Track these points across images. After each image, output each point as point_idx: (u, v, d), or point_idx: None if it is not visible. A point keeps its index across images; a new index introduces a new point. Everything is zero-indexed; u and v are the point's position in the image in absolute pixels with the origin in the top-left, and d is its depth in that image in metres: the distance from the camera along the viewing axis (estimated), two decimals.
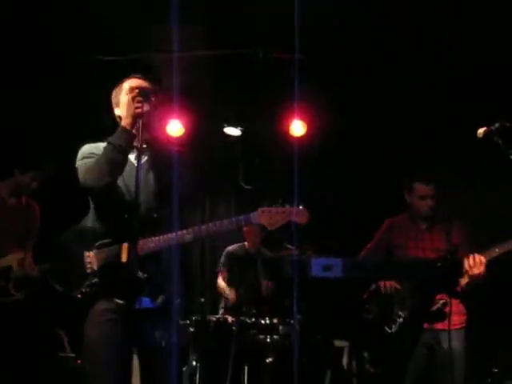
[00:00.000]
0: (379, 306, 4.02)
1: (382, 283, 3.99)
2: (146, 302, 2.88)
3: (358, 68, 5.43)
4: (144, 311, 2.84)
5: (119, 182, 2.92)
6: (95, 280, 2.84)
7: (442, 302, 3.70)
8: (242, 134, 6.59)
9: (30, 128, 5.43)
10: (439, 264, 2.36)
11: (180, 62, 4.86)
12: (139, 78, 3.04)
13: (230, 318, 4.92)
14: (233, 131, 6.59)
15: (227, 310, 5.51)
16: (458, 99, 5.36)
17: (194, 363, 4.77)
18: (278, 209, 2.87)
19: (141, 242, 2.80)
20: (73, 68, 5.19)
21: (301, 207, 2.89)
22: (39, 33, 4.88)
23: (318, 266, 2.29)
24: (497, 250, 3.69)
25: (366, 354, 5.04)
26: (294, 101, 5.28)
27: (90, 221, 2.98)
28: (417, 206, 4.14)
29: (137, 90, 2.85)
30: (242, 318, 4.86)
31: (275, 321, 4.83)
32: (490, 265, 3.67)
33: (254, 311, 5.00)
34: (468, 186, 5.55)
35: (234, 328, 4.79)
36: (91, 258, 2.87)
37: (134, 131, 2.86)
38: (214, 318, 4.97)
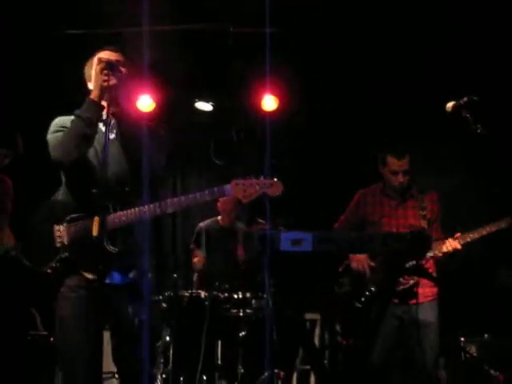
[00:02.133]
0: (352, 281, 4.05)
1: (354, 262, 4.01)
2: (117, 277, 2.88)
3: (329, 43, 5.41)
4: (115, 286, 2.85)
5: (92, 154, 2.89)
6: (65, 255, 2.82)
7: (412, 281, 3.79)
8: (213, 109, 6.55)
9: None
10: (409, 237, 2.38)
11: (150, 36, 4.80)
12: (110, 51, 3.02)
13: (202, 293, 4.93)
14: (204, 106, 6.55)
15: (200, 284, 5.51)
16: (429, 77, 5.38)
17: (168, 338, 4.78)
18: (251, 181, 2.86)
19: (112, 216, 2.79)
20: (43, 43, 5.10)
21: (275, 179, 2.88)
22: (8, 8, 4.78)
23: (287, 240, 2.29)
24: (471, 235, 3.83)
25: (337, 327, 5.11)
26: (266, 75, 5.26)
27: (60, 194, 2.96)
28: (389, 180, 4.11)
29: (104, 62, 2.82)
30: (214, 292, 4.86)
31: (248, 295, 4.85)
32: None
33: (227, 286, 5.01)
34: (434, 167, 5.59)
35: (206, 303, 4.80)
36: (61, 232, 2.83)
37: (102, 103, 2.84)
38: (186, 294, 4.97)
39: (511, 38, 4.90)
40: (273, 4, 4.41)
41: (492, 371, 4.55)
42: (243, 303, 4.82)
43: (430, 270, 3.97)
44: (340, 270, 4.14)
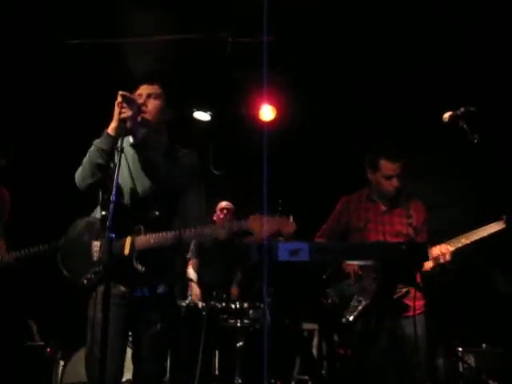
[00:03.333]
0: (338, 292, 3.89)
1: (345, 264, 3.83)
2: (146, 291, 3.10)
3: (327, 53, 5.43)
4: (144, 298, 3.07)
5: (125, 179, 3.11)
6: (100, 268, 3.00)
7: (404, 290, 3.64)
8: (211, 119, 6.56)
9: None
10: (404, 247, 2.37)
11: (148, 46, 4.82)
12: (147, 84, 3.24)
13: (200, 303, 4.93)
14: (202, 116, 6.56)
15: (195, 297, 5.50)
16: (427, 86, 5.40)
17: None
18: (268, 218, 3.01)
19: (142, 238, 3.03)
20: (37, 50, 5.11)
21: (290, 219, 3.03)
22: (9, 18, 4.80)
23: (284, 250, 2.30)
24: (463, 240, 3.72)
25: (335, 337, 5.09)
26: (264, 85, 5.28)
27: (98, 212, 3.14)
28: (381, 185, 3.94)
29: (120, 96, 3.01)
30: (212, 302, 4.86)
31: (245, 305, 4.84)
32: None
33: (224, 296, 5.00)
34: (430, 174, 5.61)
35: (204, 313, 4.80)
36: (98, 247, 3.05)
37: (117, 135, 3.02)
38: (184, 304, 4.97)
39: (509, 46, 4.92)
40: (271, 14, 4.42)
41: (490, 381, 4.54)
42: (241, 313, 4.82)
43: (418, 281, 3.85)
44: (324, 276, 3.92)
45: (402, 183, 3.91)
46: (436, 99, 4.29)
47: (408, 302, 3.68)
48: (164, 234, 3.03)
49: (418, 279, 3.80)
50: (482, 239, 3.74)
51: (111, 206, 2.72)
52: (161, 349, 3.18)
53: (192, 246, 5.80)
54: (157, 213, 3.10)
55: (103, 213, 3.03)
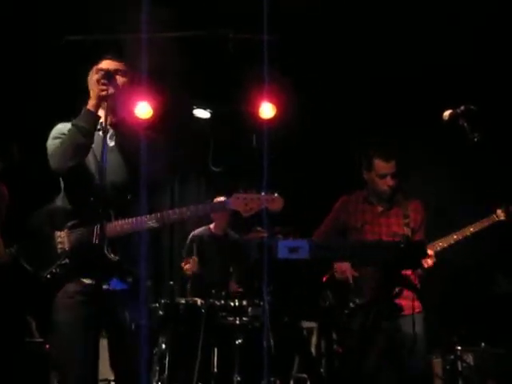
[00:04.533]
0: (335, 294, 3.91)
1: (337, 270, 3.85)
2: (115, 283, 2.90)
3: (327, 51, 5.43)
4: (113, 292, 2.87)
5: (91, 162, 2.92)
6: (66, 261, 2.84)
7: (397, 290, 3.61)
8: (211, 116, 6.56)
9: None
10: (402, 245, 2.37)
11: (149, 43, 4.81)
12: (111, 59, 3.05)
13: (199, 301, 4.92)
14: (202, 113, 6.56)
15: (194, 291, 5.50)
16: (427, 85, 5.40)
17: (164, 346, 4.77)
18: (252, 195, 2.88)
19: (113, 224, 2.84)
20: (39, 49, 5.10)
21: (276, 195, 2.90)
22: (7, 15, 4.79)
23: (284, 248, 2.29)
24: (455, 237, 3.76)
25: (334, 335, 5.09)
26: (264, 83, 5.27)
27: (59, 200, 2.97)
28: (376, 184, 3.93)
29: (101, 72, 2.86)
30: (211, 300, 4.85)
31: (244, 303, 4.84)
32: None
33: (223, 293, 5.00)
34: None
35: (203, 310, 4.79)
36: (62, 237, 2.86)
37: (99, 113, 2.86)
38: (183, 301, 4.96)
39: (509, 46, 4.92)
40: (271, 11, 4.42)
41: (489, 380, 4.54)
42: (240, 311, 4.81)
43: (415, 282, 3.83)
44: (324, 280, 3.99)
45: (397, 182, 3.91)
46: (436, 98, 4.28)
47: (402, 301, 3.67)
48: (138, 218, 2.85)
49: (414, 280, 3.79)
50: (474, 234, 3.75)
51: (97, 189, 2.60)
52: (138, 346, 2.90)
53: (188, 242, 5.79)
54: (128, 196, 2.91)
55: (91, 199, 2.80)
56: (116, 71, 2.97)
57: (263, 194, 2.89)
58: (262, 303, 4.79)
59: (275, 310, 4.79)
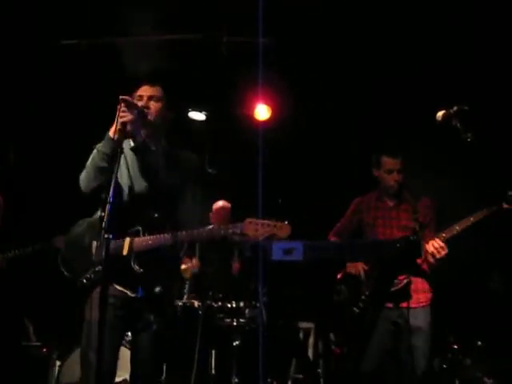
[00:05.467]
0: (349, 288, 4.08)
1: (349, 267, 4.02)
2: (141, 292, 3.12)
3: (322, 52, 5.44)
4: (138, 299, 3.10)
5: (124, 181, 3.17)
6: (99, 268, 3.04)
7: (405, 281, 3.79)
8: (206, 119, 6.57)
9: None
10: (398, 245, 2.40)
11: (143, 46, 4.82)
12: (147, 85, 3.28)
13: (196, 303, 4.93)
14: (197, 116, 6.56)
15: (192, 293, 5.50)
16: (424, 85, 5.41)
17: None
18: (263, 221, 3.05)
19: (140, 239, 3.09)
20: (34, 53, 5.10)
21: (285, 223, 3.06)
22: (3, 18, 4.80)
23: (278, 249, 2.31)
24: (457, 228, 3.84)
25: (331, 336, 5.11)
26: (259, 85, 5.28)
27: (99, 213, 3.13)
28: (384, 180, 4.22)
29: (121, 100, 3.04)
30: (208, 301, 4.86)
31: (241, 304, 4.85)
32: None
33: (221, 295, 5.01)
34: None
35: (200, 312, 4.80)
36: (98, 247, 3.08)
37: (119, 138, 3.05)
38: (180, 303, 4.96)
39: (507, 46, 4.93)
40: (266, 14, 4.43)
41: (486, 379, 4.56)
42: (237, 312, 4.82)
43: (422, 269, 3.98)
44: (339, 277, 4.16)
45: (402, 177, 4.20)
46: (432, 98, 4.29)
47: (419, 295, 3.91)
48: (161, 235, 3.08)
49: (425, 267, 3.91)
50: (475, 224, 3.78)
51: (107, 207, 2.75)
52: (158, 349, 3.18)
53: (185, 245, 5.78)
54: (156, 214, 3.14)
55: (103, 214, 3.05)
56: (150, 97, 3.23)
57: (273, 221, 3.05)
58: (258, 304, 4.80)
59: (271, 311, 4.81)
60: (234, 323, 4.77)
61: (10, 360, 4.76)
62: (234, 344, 4.71)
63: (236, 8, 4.74)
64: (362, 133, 5.88)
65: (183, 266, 5.58)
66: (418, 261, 3.63)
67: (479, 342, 4.82)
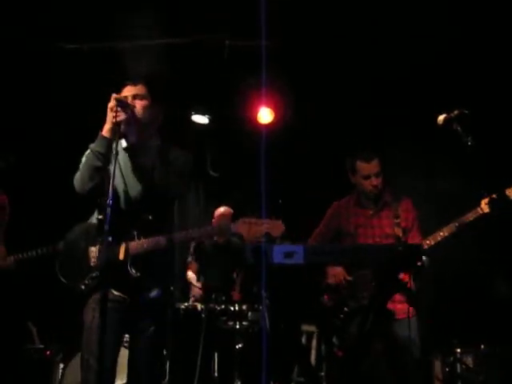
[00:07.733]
0: (331, 298, 3.99)
1: (331, 277, 3.92)
2: (139, 295, 3.12)
3: (325, 55, 5.44)
4: (136, 303, 3.10)
5: (118, 183, 3.12)
6: (97, 273, 3.05)
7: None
8: (209, 122, 6.58)
9: None
10: (400, 248, 2.39)
11: (146, 49, 4.83)
12: (131, 85, 3.24)
13: (199, 306, 4.94)
14: (200, 119, 6.57)
15: (197, 299, 5.51)
16: (424, 88, 5.41)
17: (164, 351, 4.78)
18: (257, 221, 3.05)
19: (135, 243, 3.06)
20: (34, 56, 5.12)
21: (279, 221, 3.06)
22: (5, 23, 4.81)
23: (279, 252, 2.31)
24: (441, 234, 3.71)
25: (334, 339, 5.10)
26: (261, 88, 5.29)
27: (94, 218, 3.18)
28: (362, 186, 4.03)
29: (114, 100, 3.04)
30: (211, 305, 4.87)
31: (244, 307, 4.86)
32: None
33: (224, 298, 5.01)
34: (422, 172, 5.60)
35: (203, 315, 4.81)
36: (95, 252, 3.10)
37: (112, 137, 3.04)
38: (183, 306, 4.98)
39: (505, 50, 4.93)
40: (268, 17, 4.44)
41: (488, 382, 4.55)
42: (239, 316, 4.83)
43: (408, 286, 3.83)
44: (321, 286, 4.05)
45: (381, 181, 4.01)
46: (433, 101, 4.30)
47: (397, 305, 3.71)
48: (156, 238, 3.06)
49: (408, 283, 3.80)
50: (461, 229, 3.67)
51: (108, 210, 2.73)
52: (156, 352, 3.18)
53: (192, 250, 5.81)
54: (150, 217, 3.11)
55: (100, 217, 3.07)
56: (135, 96, 3.17)
57: (266, 219, 3.06)
58: (260, 308, 4.81)
59: (273, 315, 4.81)
60: (237, 326, 4.78)
61: (14, 363, 4.76)
62: (237, 347, 4.72)
63: (239, 11, 4.76)
64: (365, 136, 5.87)
65: (189, 274, 5.60)
66: (402, 276, 3.20)
67: (482, 346, 4.81)
